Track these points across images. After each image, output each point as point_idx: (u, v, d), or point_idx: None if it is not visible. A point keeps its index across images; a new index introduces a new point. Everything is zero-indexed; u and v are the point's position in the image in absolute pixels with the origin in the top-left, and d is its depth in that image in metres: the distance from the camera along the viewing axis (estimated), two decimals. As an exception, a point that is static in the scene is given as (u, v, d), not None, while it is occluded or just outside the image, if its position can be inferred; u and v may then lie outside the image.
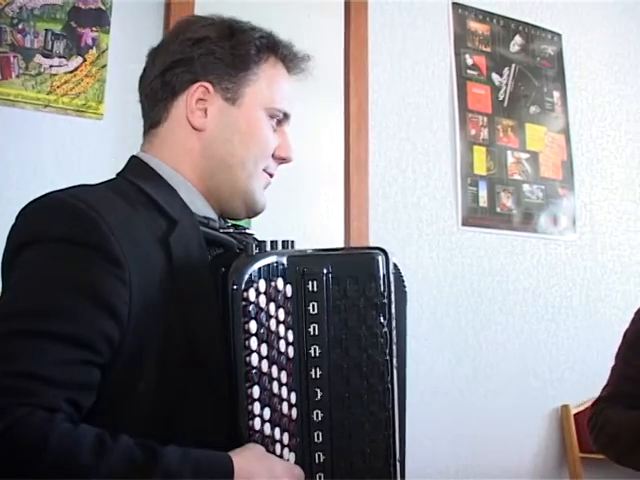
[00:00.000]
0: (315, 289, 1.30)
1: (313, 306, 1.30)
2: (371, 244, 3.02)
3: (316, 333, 1.30)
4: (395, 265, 1.44)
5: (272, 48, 1.45)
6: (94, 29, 2.63)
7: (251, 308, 1.21)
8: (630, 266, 3.75)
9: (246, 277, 1.21)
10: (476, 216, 3.33)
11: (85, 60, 2.60)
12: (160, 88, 1.42)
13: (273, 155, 1.46)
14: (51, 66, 2.55)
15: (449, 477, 3.10)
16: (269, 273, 1.25)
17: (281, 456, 1.24)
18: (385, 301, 1.35)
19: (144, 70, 1.48)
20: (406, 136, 3.24)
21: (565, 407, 3.37)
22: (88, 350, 1.13)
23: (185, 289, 1.25)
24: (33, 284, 1.16)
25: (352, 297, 1.32)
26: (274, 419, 1.24)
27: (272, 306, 1.25)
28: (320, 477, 1.29)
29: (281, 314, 1.27)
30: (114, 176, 1.41)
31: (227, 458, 1.14)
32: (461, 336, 3.22)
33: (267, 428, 1.23)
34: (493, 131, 3.44)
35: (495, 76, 3.51)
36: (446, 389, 3.17)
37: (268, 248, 1.29)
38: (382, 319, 1.34)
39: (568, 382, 3.38)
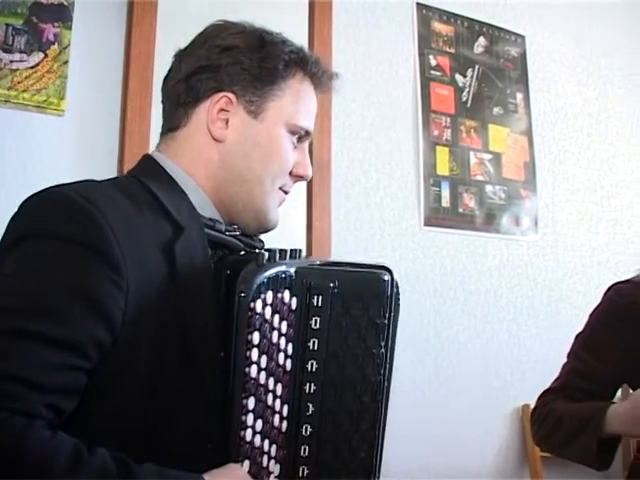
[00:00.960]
0: (320, 304, 1.28)
1: (316, 321, 1.29)
2: (333, 244, 3.02)
3: (315, 348, 1.29)
4: (396, 283, 1.42)
5: (301, 64, 1.42)
6: (56, 25, 2.60)
7: (256, 319, 1.19)
8: (591, 267, 3.78)
9: (254, 287, 1.19)
10: (438, 216, 3.34)
11: (47, 56, 2.57)
12: (184, 92, 1.40)
13: (290, 172, 1.44)
14: (12, 61, 2.52)
15: (411, 477, 3.11)
16: (277, 284, 1.24)
17: (267, 468, 1.24)
18: (386, 322, 1.34)
19: (169, 71, 1.45)
20: (369, 136, 3.24)
21: (526, 407, 3.38)
22: (78, 355, 1.11)
23: (186, 295, 1.23)
24: (27, 280, 1.13)
25: (355, 315, 1.31)
26: (265, 431, 1.23)
27: (276, 318, 1.24)
28: None
29: (284, 327, 1.26)
30: (125, 174, 1.41)
31: None
32: (423, 336, 3.23)
33: (257, 440, 1.22)
34: (456, 132, 3.45)
35: (459, 77, 3.53)
36: (408, 389, 3.17)
37: (277, 257, 1.27)
38: (382, 340, 1.33)
39: (529, 382, 3.39)
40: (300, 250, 1.35)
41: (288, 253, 1.31)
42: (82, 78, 2.62)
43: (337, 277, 1.30)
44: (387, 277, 1.34)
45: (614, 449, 2.04)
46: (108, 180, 1.35)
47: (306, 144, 1.47)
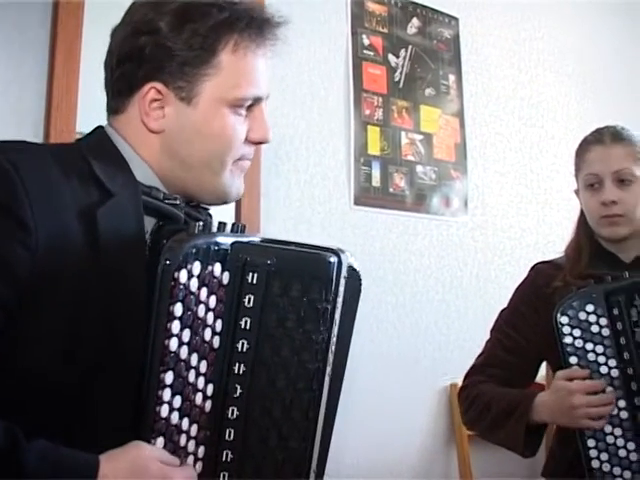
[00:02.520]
0: (255, 281, 1.24)
1: (249, 299, 1.25)
2: (262, 222, 3.00)
3: (247, 327, 1.25)
4: (352, 267, 1.39)
5: (232, 29, 1.35)
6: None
7: (180, 290, 1.15)
8: (520, 248, 3.82)
9: (180, 256, 1.14)
10: (369, 196, 3.34)
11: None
12: (117, 79, 1.36)
13: (247, 140, 1.39)
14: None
15: (337, 455, 3.11)
16: (207, 256, 1.19)
17: (185, 447, 1.20)
18: (329, 307, 1.29)
19: (107, 52, 1.40)
20: (300, 114, 3.22)
21: (454, 385, 3.41)
22: None
23: (110, 261, 1.20)
24: None
25: (294, 297, 1.27)
26: (184, 409, 1.19)
27: (204, 291, 1.19)
28: (224, 476, 1.25)
29: (212, 301, 1.22)
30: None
31: (93, 463, 1.09)
32: (351, 315, 3.23)
33: (175, 417, 1.17)
34: (388, 112, 3.45)
35: (391, 57, 3.52)
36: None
37: (214, 229, 1.23)
38: (322, 325, 1.29)
39: (457, 361, 3.38)
40: (244, 226, 1.30)
41: (229, 227, 1.27)
42: (3, 78, 2.55)
43: (276, 255, 1.26)
44: (333, 259, 1.30)
45: (540, 436, 2.08)
46: (52, 145, 1.33)
47: (260, 107, 1.40)
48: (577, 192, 2.24)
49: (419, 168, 3.51)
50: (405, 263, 3.45)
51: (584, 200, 2.19)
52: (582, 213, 2.23)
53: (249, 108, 1.38)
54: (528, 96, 4.05)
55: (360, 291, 1.47)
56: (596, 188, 2.13)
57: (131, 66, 1.33)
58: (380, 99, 3.44)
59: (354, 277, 1.42)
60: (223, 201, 1.42)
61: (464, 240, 3.66)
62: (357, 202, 3.30)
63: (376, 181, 3.36)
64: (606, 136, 2.15)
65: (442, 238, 3.58)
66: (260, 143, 1.42)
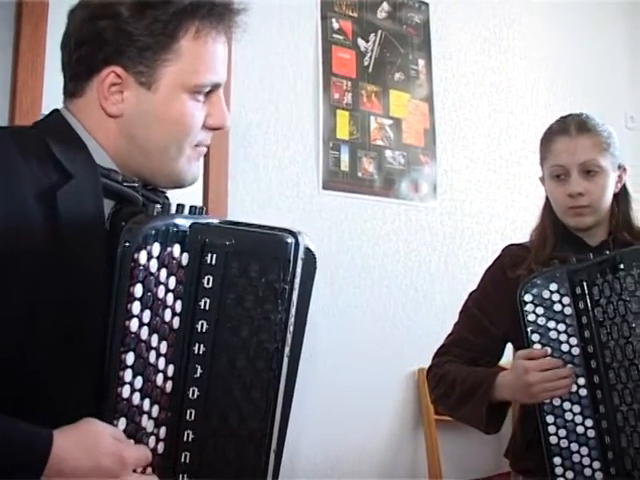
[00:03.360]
0: (214, 262, 1.25)
1: (208, 279, 1.26)
2: (229, 205, 3.00)
3: (206, 308, 1.26)
4: (308, 248, 1.40)
5: (193, 15, 1.34)
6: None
7: (139, 271, 1.15)
8: (489, 234, 3.83)
9: (140, 237, 1.15)
10: (337, 180, 3.33)
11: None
12: (74, 63, 1.35)
13: (204, 125, 1.39)
14: None
15: (305, 441, 3.12)
16: (167, 237, 1.20)
17: (146, 428, 1.21)
18: (287, 287, 1.30)
19: (64, 34, 1.38)
20: (268, 98, 3.21)
21: (421, 370, 3.41)
22: None
23: (70, 244, 1.19)
24: None
25: (252, 277, 1.28)
26: (145, 389, 1.19)
27: (163, 272, 1.20)
28: (186, 456, 1.26)
29: (172, 282, 1.22)
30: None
31: (47, 438, 1.09)
32: (319, 300, 3.20)
33: (136, 398, 1.18)
34: (357, 96, 3.44)
35: (361, 41, 3.52)
36: (302, 353, 3.17)
37: (173, 211, 1.24)
38: (280, 305, 1.30)
39: (425, 345, 3.36)
40: (202, 208, 1.31)
41: (187, 209, 1.27)
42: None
43: (235, 236, 1.27)
44: (290, 240, 1.31)
45: (503, 414, 2.12)
46: (9, 127, 1.32)
47: (217, 94, 1.41)
48: (542, 180, 2.25)
49: (388, 153, 3.51)
50: (373, 248, 3.45)
51: (550, 190, 2.20)
52: (547, 199, 2.24)
53: (207, 94, 1.39)
54: (497, 82, 4.06)
55: (315, 272, 1.47)
56: (562, 179, 2.14)
57: (90, 49, 1.33)
58: (349, 83, 3.43)
59: (310, 258, 1.43)
60: (179, 186, 1.42)
61: (433, 225, 3.67)
62: (325, 186, 3.30)
63: (345, 165, 3.36)
64: (571, 126, 2.15)
65: (411, 223, 3.59)
66: (217, 129, 1.43)
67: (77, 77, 1.36)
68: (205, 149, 1.44)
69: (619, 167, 2.19)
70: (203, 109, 1.39)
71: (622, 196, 2.21)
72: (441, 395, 2.19)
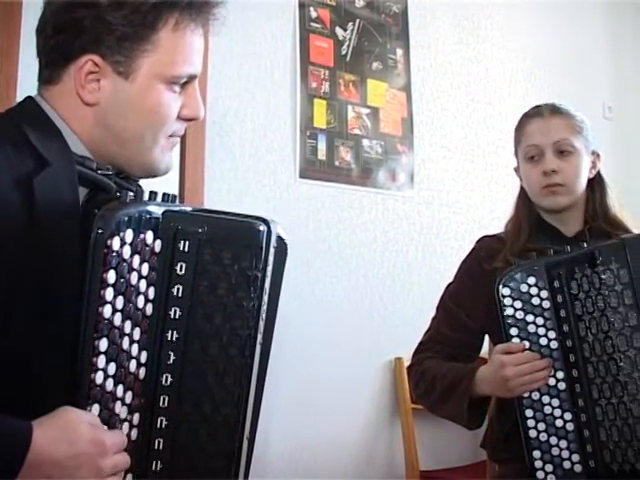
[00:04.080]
0: (186, 249, 1.26)
1: (181, 266, 1.26)
2: (206, 194, 2.99)
3: (179, 295, 1.26)
4: (280, 237, 1.41)
5: (172, 7, 1.35)
6: None
7: (112, 257, 1.15)
8: (466, 223, 3.84)
9: (113, 224, 1.15)
10: (314, 169, 3.33)
11: None
12: (51, 49, 1.34)
13: (179, 116, 1.40)
14: None
15: (283, 430, 3.12)
16: (139, 224, 1.20)
17: (119, 415, 1.21)
18: (259, 275, 1.31)
19: (39, 20, 1.37)
20: (245, 86, 3.20)
21: (398, 359, 3.44)
22: None
23: (46, 231, 1.19)
24: None
25: (225, 264, 1.28)
26: (119, 376, 1.20)
27: (136, 259, 1.20)
28: (159, 442, 1.27)
29: (145, 269, 1.23)
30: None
31: (26, 429, 1.09)
32: (296, 289, 3.22)
33: (109, 384, 1.18)
34: (334, 85, 3.44)
35: (339, 30, 3.51)
36: (279, 342, 3.17)
37: (145, 198, 1.25)
38: (253, 293, 1.30)
39: (402, 335, 3.42)
40: (175, 196, 1.31)
41: (160, 196, 1.28)
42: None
43: (207, 223, 1.28)
44: (262, 227, 1.32)
45: (484, 409, 2.12)
46: None
47: (193, 85, 1.42)
48: (517, 170, 2.26)
49: (365, 142, 3.51)
50: (350, 237, 3.45)
51: (525, 173, 2.21)
52: (522, 189, 2.25)
53: (183, 85, 1.40)
54: (475, 72, 4.07)
55: (286, 261, 1.48)
56: (536, 160, 2.15)
57: (67, 36, 1.32)
58: (327, 72, 3.43)
59: (282, 247, 1.45)
60: (152, 175, 1.43)
61: (410, 214, 3.67)
62: (302, 175, 3.30)
63: (322, 154, 3.35)
64: (545, 110, 2.19)
65: (388, 212, 3.59)
66: (192, 120, 1.44)
67: (53, 64, 1.35)
68: (178, 139, 1.44)
69: (593, 153, 2.21)
70: (179, 100, 1.39)
71: (597, 182, 2.22)
72: (422, 394, 2.19)
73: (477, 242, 2.31)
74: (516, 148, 2.25)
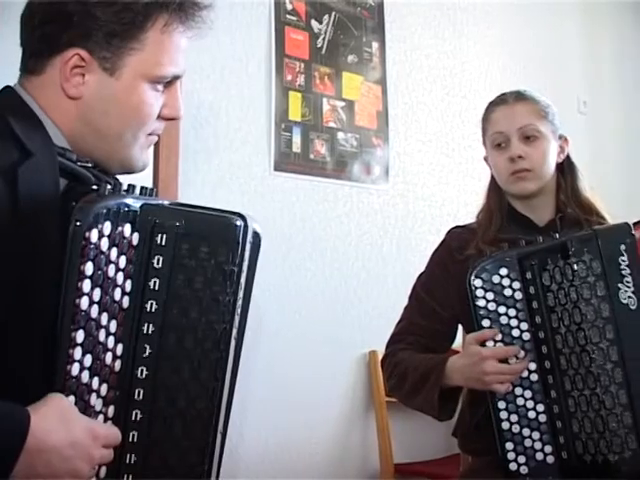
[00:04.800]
0: (164, 243, 1.27)
1: (158, 260, 1.27)
2: (180, 186, 2.97)
3: (156, 288, 1.28)
4: (256, 232, 1.42)
5: (162, 8, 1.36)
6: None
7: (90, 249, 1.16)
8: (441, 217, 3.84)
9: (91, 216, 1.16)
10: (289, 162, 3.32)
11: None
12: (37, 40, 1.34)
13: (159, 115, 1.41)
14: None
15: (256, 421, 3.12)
16: (117, 217, 1.21)
17: (94, 406, 1.21)
18: (235, 269, 1.32)
19: (25, 8, 1.37)
20: (220, 78, 3.19)
21: (373, 352, 3.45)
22: None
23: (27, 220, 1.19)
24: None
25: (202, 258, 1.30)
26: (94, 368, 1.20)
27: (114, 251, 1.21)
28: (133, 435, 1.27)
29: (122, 262, 1.24)
30: None
31: (24, 415, 1.10)
32: (270, 281, 3.22)
33: (85, 376, 1.19)
34: (310, 78, 3.43)
35: (314, 23, 3.50)
36: (254, 335, 3.17)
37: (124, 191, 1.25)
38: (229, 287, 1.32)
39: (377, 328, 3.41)
40: (153, 189, 1.33)
41: (138, 189, 1.29)
42: None
43: (185, 217, 1.29)
44: (239, 223, 1.33)
45: (456, 400, 2.11)
46: None
47: (175, 85, 1.43)
48: (486, 158, 2.27)
49: (340, 135, 3.50)
50: (325, 230, 3.45)
51: (492, 160, 2.22)
52: (492, 178, 2.26)
53: (166, 85, 1.41)
54: (451, 66, 4.07)
55: (258, 256, 1.49)
56: (503, 147, 2.16)
57: (55, 28, 1.32)
58: (302, 65, 3.42)
59: (257, 242, 1.45)
60: (128, 172, 1.44)
61: (385, 208, 3.68)
62: (277, 168, 3.29)
63: (297, 147, 3.35)
64: (509, 96, 2.20)
65: (362, 205, 3.59)
66: (171, 119, 1.45)
67: (38, 55, 1.35)
68: (157, 138, 1.46)
69: (560, 137, 2.22)
70: (160, 99, 1.41)
71: (567, 167, 2.23)
72: (395, 385, 2.18)
73: (448, 233, 2.32)
74: (483, 137, 2.26)
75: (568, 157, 2.24)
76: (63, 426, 1.13)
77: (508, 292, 1.90)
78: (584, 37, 4.77)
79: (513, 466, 1.87)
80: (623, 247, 1.82)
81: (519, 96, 2.19)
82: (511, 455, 1.87)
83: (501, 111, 2.19)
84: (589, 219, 2.15)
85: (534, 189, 2.15)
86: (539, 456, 1.87)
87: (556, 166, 2.20)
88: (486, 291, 1.90)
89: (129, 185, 1.28)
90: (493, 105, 2.23)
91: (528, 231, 2.11)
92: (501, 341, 1.89)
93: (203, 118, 3.12)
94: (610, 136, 4.83)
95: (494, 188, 2.24)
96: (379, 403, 3.42)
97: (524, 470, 1.87)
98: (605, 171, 4.55)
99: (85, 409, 1.20)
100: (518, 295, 1.90)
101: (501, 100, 2.21)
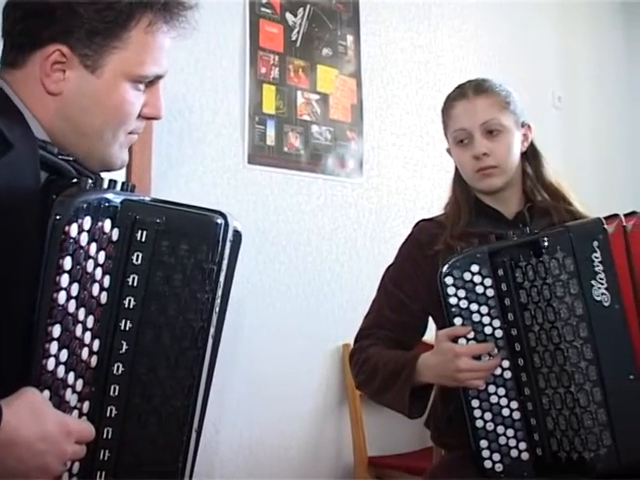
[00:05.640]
0: (143, 239, 1.27)
1: (137, 256, 1.27)
2: (153, 179, 2.96)
3: (134, 284, 1.27)
4: (236, 231, 1.42)
5: (146, 8, 1.36)
6: None
7: (69, 244, 1.16)
8: (415, 211, 3.84)
9: (71, 210, 1.15)
10: (263, 155, 3.31)
11: None
12: (19, 34, 1.33)
13: (140, 114, 1.41)
14: None
15: (230, 415, 3.11)
16: (98, 212, 1.21)
17: (68, 402, 1.21)
18: (214, 268, 1.32)
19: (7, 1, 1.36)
20: (194, 70, 3.17)
21: (346, 346, 3.43)
22: None
23: (7, 215, 1.18)
24: None
25: (181, 256, 1.30)
26: (70, 363, 1.20)
27: (93, 247, 1.21)
28: (108, 431, 1.27)
29: (101, 257, 1.23)
30: None
31: None
32: (243, 274, 3.21)
33: (61, 371, 1.18)
34: (284, 70, 3.42)
35: (289, 16, 3.49)
36: (227, 328, 3.15)
37: (105, 186, 1.25)
38: (208, 285, 1.32)
39: (350, 321, 3.38)
40: (133, 185, 1.32)
41: (119, 185, 1.28)
42: None
43: (165, 214, 1.29)
44: (220, 221, 1.33)
45: (427, 397, 2.09)
46: None
47: (157, 85, 1.43)
48: (449, 151, 2.25)
49: (314, 128, 3.50)
50: (299, 223, 3.45)
51: (456, 157, 2.20)
52: (457, 171, 2.24)
53: (148, 84, 1.41)
54: (426, 60, 4.08)
55: (238, 255, 1.49)
56: (466, 143, 2.13)
57: (38, 23, 1.32)
58: (276, 58, 3.41)
59: (237, 240, 1.46)
60: (107, 169, 1.44)
61: (359, 201, 3.68)
62: (251, 161, 3.28)
63: (271, 140, 3.33)
64: (468, 90, 2.14)
65: (337, 199, 3.59)
66: (152, 119, 1.46)
67: (19, 48, 1.35)
68: (137, 137, 1.46)
69: (523, 125, 2.18)
70: (142, 98, 1.41)
71: (531, 154, 2.21)
72: (364, 381, 2.15)
73: (416, 226, 2.30)
74: (445, 131, 2.23)
75: (532, 144, 2.20)
76: (35, 420, 1.12)
77: (480, 289, 1.88)
78: (559, 32, 4.79)
79: (488, 464, 1.86)
80: (596, 243, 1.81)
81: (479, 88, 2.13)
82: (485, 453, 1.87)
83: (462, 106, 2.13)
84: (557, 206, 2.13)
85: (500, 184, 2.12)
86: (514, 453, 1.87)
87: (520, 154, 2.17)
88: (457, 288, 1.87)
89: (110, 180, 1.27)
90: (452, 100, 2.18)
91: (497, 224, 2.10)
92: (473, 339, 1.87)
93: (177, 111, 3.10)
94: (584, 131, 4.86)
95: (459, 181, 2.23)
96: (353, 396, 3.42)
97: (499, 467, 1.86)
98: (579, 165, 4.58)
99: (60, 404, 1.20)
100: (490, 292, 1.88)
101: (461, 94, 2.15)
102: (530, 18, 4.59)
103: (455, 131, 2.15)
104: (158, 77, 1.42)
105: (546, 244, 1.83)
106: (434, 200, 3.91)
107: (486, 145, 2.09)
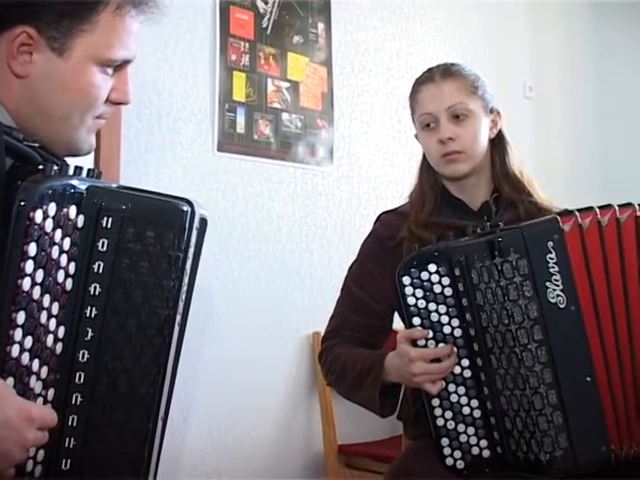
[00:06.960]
0: (109, 226, 1.26)
1: (103, 243, 1.27)
2: (122, 165, 2.94)
3: (100, 271, 1.27)
4: (202, 219, 1.42)
5: None
6: None
7: (34, 230, 1.15)
8: (385, 199, 3.84)
9: (36, 197, 1.15)
10: (233, 142, 3.30)
11: None
12: None
13: (108, 99, 1.40)
14: None
15: (199, 401, 3.11)
16: (63, 198, 1.20)
17: (33, 389, 1.20)
18: (181, 255, 1.32)
19: None
20: (163, 57, 3.15)
21: (316, 334, 3.45)
22: None
23: None
24: None
25: (147, 243, 1.29)
26: (35, 350, 1.19)
27: (58, 233, 1.20)
28: (73, 419, 1.27)
29: (66, 244, 1.22)
30: None
31: None
32: (212, 262, 3.21)
33: (25, 357, 1.18)
34: (254, 58, 3.41)
35: (260, 3, 3.47)
36: (196, 314, 3.15)
37: (70, 172, 1.24)
38: (174, 273, 1.31)
39: (320, 310, 3.41)
40: (99, 172, 1.32)
41: (85, 171, 1.28)
42: None
43: (131, 201, 1.29)
44: (186, 208, 1.33)
45: (397, 395, 2.07)
46: None
47: (125, 70, 1.42)
48: (417, 136, 2.21)
49: (285, 116, 3.49)
50: (269, 211, 3.44)
51: (422, 141, 2.16)
52: (424, 157, 2.20)
53: (116, 69, 1.40)
54: (397, 48, 4.07)
55: (203, 242, 1.48)
56: (432, 128, 2.09)
57: (4, 4, 1.30)
58: (247, 45, 3.40)
59: (203, 228, 1.45)
60: (74, 154, 1.43)
61: (329, 189, 3.68)
62: (220, 148, 3.27)
63: (240, 128, 3.33)
64: (436, 73, 2.11)
65: (307, 187, 3.59)
66: (120, 104, 1.45)
67: None
68: (104, 122, 1.45)
69: (492, 111, 2.15)
70: (109, 82, 1.39)
71: (498, 142, 2.17)
72: (334, 381, 2.14)
73: (377, 219, 2.26)
74: (412, 116, 2.19)
75: (500, 131, 2.16)
76: None
77: (438, 288, 1.83)
78: (531, 23, 4.81)
79: (449, 461, 1.85)
80: (551, 244, 1.75)
81: (446, 72, 2.10)
82: (447, 450, 1.85)
83: (428, 90, 2.10)
84: (521, 198, 2.10)
85: (466, 170, 2.08)
86: (475, 450, 1.85)
87: (489, 141, 2.14)
88: (415, 288, 1.83)
89: (76, 167, 1.27)
90: (420, 84, 2.14)
91: (462, 215, 2.08)
92: (432, 338, 1.84)
93: (146, 97, 3.08)
94: (554, 120, 4.89)
95: (426, 167, 2.19)
96: (323, 384, 3.41)
97: (460, 465, 1.85)
98: (549, 154, 4.61)
99: (24, 392, 1.19)
100: (448, 291, 1.83)
101: (428, 78, 2.12)
102: (502, 9, 4.59)
103: (421, 115, 2.11)
104: (126, 62, 1.41)
105: (500, 246, 1.76)
106: (405, 188, 3.84)
107: (452, 130, 2.05)
